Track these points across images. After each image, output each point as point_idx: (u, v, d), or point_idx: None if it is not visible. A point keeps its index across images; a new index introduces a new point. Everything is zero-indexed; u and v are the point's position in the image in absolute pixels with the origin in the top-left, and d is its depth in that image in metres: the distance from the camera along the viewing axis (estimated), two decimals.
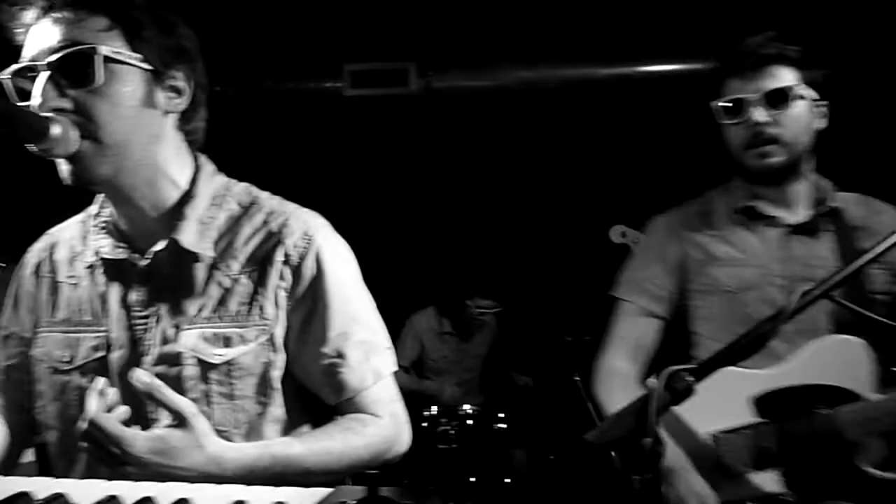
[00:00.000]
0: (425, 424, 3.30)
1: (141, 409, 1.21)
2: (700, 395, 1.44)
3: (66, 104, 1.12)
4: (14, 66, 1.16)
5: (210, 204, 1.31)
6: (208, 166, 1.35)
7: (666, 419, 1.48)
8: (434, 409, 3.37)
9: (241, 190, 1.37)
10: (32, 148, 1.11)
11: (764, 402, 1.48)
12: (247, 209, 1.33)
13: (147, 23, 1.20)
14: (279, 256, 1.26)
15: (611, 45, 4.17)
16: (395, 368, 1.35)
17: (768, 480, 1.44)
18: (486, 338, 4.14)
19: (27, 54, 1.16)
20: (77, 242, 1.36)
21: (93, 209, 1.38)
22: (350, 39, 4.07)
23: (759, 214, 1.66)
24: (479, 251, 4.15)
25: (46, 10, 1.15)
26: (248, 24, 3.73)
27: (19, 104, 1.14)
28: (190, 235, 1.26)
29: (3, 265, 2.35)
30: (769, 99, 1.58)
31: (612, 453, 0.90)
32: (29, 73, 1.16)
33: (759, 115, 1.57)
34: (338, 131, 4.37)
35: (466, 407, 3.40)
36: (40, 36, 1.14)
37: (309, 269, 1.27)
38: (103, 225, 1.31)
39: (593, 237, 3.64)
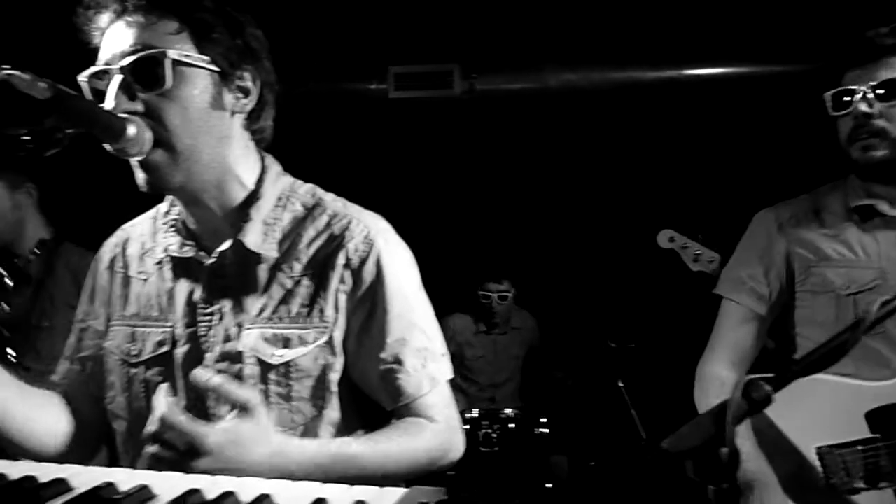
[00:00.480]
0: (467, 427, 3.30)
1: (203, 405, 1.24)
2: (810, 409, 1.39)
3: (137, 107, 1.14)
4: (90, 70, 1.19)
5: (275, 205, 1.32)
6: (275, 167, 1.37)
7: (762, 431, 1.44)
8: (475, 412, 3.37)
9: (306, 191, 1.38)
10: (108, 147, 1.14)
11: (877, 417, 1.40)
12: (311, 211, 1.34)
13: (216, 24, 1.21)
14: (340, 260, 1.27)
15: (657, 48, 4.13)
16: (451, 375, 1.34)
17: (881, 498, 1.37)
18: (523, 338, 4.10)
19: (102, 57, 1.18)
20: (147, 239, 1.39)
21: (163, 207, 1.41)
22: (394, 41, 4.10)
23: (877, 213, 1.57)
24: (523, 254, 4.13)
25: (120, 14, 1.17)
26: (292, 25, 3.77)
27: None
28: (254, 236, 1.27)
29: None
30: (878, 90, 1.50)
31: (686, 462, 0.87)
32: (104, 75, 1.19)
33: (865, 106, 1.50)
34: (381, 133, 4.39)
35: (508, 410, 3.39)
36: (114, 39, 1.17)
37: (369, 273, 1.27)
38: (172, 223, 1.34)
39: (640, 242, 3.60)
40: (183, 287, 1.31)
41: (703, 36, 4.00)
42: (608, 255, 3.99)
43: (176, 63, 1.15)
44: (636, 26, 3.98)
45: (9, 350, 2.13)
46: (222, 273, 1.28)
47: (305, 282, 1.27)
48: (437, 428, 1.27)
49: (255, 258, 1.28)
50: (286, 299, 1.26)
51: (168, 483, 0.78)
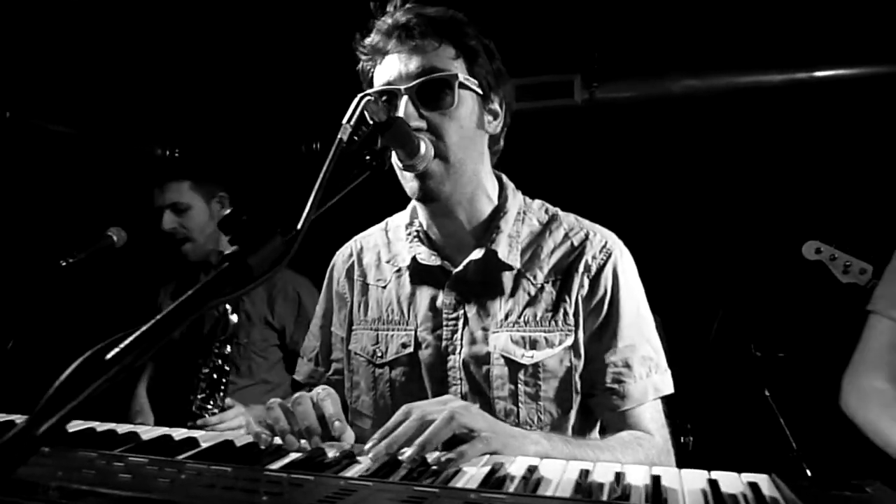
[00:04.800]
0: None
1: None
2: None
3: (422, 125, 1.25)
4: (375, 89, 1.30)
5: (515, 219, 1.41)
6: (510, 184, 1.46)
7: None
8: None
9: (539, 207, 1.48)
10: (398, 163, 1.25)
11: None
12: (547, 225, 1.43)
13: (479, 50, 1.32)
14: (580, 267, 1.35)
15: (784, 50, 4.04)
16: (672, 391, 1.37)
17: None
18: None
19: (383, 79, 1.29)
20: (382, 249, 1.50)
21: (398, 220, 1.52)
22: (514, 53, 4.16)
23: None
24: (650, 265, 4.08)
25: (402, 40, 1.28)
26: None
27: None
28: (504, 247, 1.36)
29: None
30: None
31: None
32: (383, 95, 1.29)
33: None
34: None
35: None
36: (399, 63, 1.27)
37: (606, 280, 1.35)
38: (415, 234, 1.44)
39: (781, 251, 3.54)
40: (424, 293, 1.40)
41: (834, 35, 3.88)
42: (746, 263, 3.92)
43: (460, 85, 1.26)
44: (761, 29, 3.91)
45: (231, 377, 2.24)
46: (465, 281, 1.38)
47: (548, 288, 1.35)
48: (654, 442, 1.30)
49: (502, 267, 1.36)
50: (531, 304, 1.34)
51: (557, 467, 0.85)
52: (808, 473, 3.04)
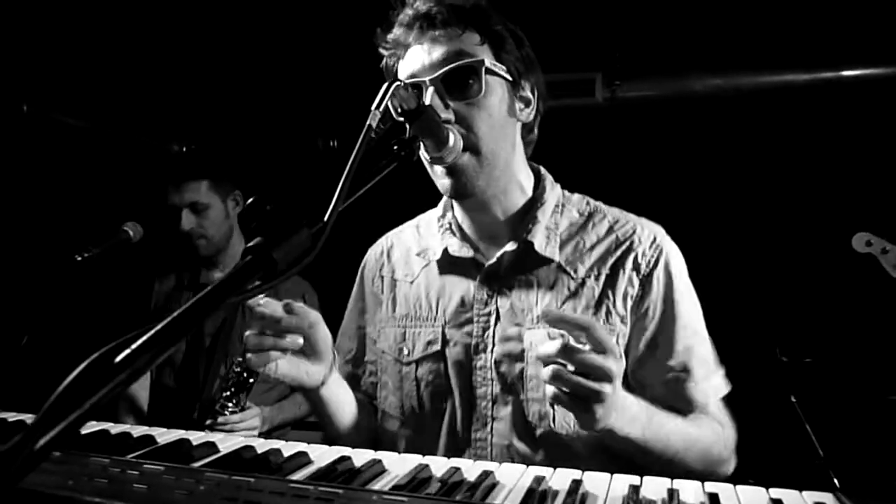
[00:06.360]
0: None
1: (472, 405, 1.26)
2: None
3: (449, 115, 1.19)
4: (400, 82, 1.23)
5: (553, 211, 1.34)
6: (549, 176, 1.40)
7: None
8: None
9: (579, 199, 1.41)
10: (425, 155, 1.19)
11: None
12: (589, 217, 1.36)
13: (506, 36, 1.26)
14: (628, 264, 1.27)
15: (811, 49, 3.95)
16: (728, 389, 1.31)
17: None
18: None
19: (407, 71, 1.24)
20: (412, 244, 1.45)
21: (433, 214, 1.46)
22: (534, 51, 4.09)
23: None
24: None
25: (425, 29, 1.22)
26: None
27: None
28: (540, 238, 1.30)
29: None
30: None
31: None
32: (408, 87, 1.24)
33: None
34: None
35: None
36: (423, 53, 1.22)
37: (659, 280, 1.27)
38: (448, 226, 1.38)
39: (804, 249, 3.46)
40: (454, 287, 1.34)
41: (861, 35, 3.79)
42: (772, 263, 3.83)
43: (487, 72, 1.20)
44: (787, 27, 3.82)
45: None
46: (498, 275, 1.31)
47: (590, 283, 1.27)
48: (728, 426, 1.26)
49: (538, 260, 1.29)
50: (570, 301, 1.26)
51: (600, 481, 0.79)
52: (836, 483, 2.96)
